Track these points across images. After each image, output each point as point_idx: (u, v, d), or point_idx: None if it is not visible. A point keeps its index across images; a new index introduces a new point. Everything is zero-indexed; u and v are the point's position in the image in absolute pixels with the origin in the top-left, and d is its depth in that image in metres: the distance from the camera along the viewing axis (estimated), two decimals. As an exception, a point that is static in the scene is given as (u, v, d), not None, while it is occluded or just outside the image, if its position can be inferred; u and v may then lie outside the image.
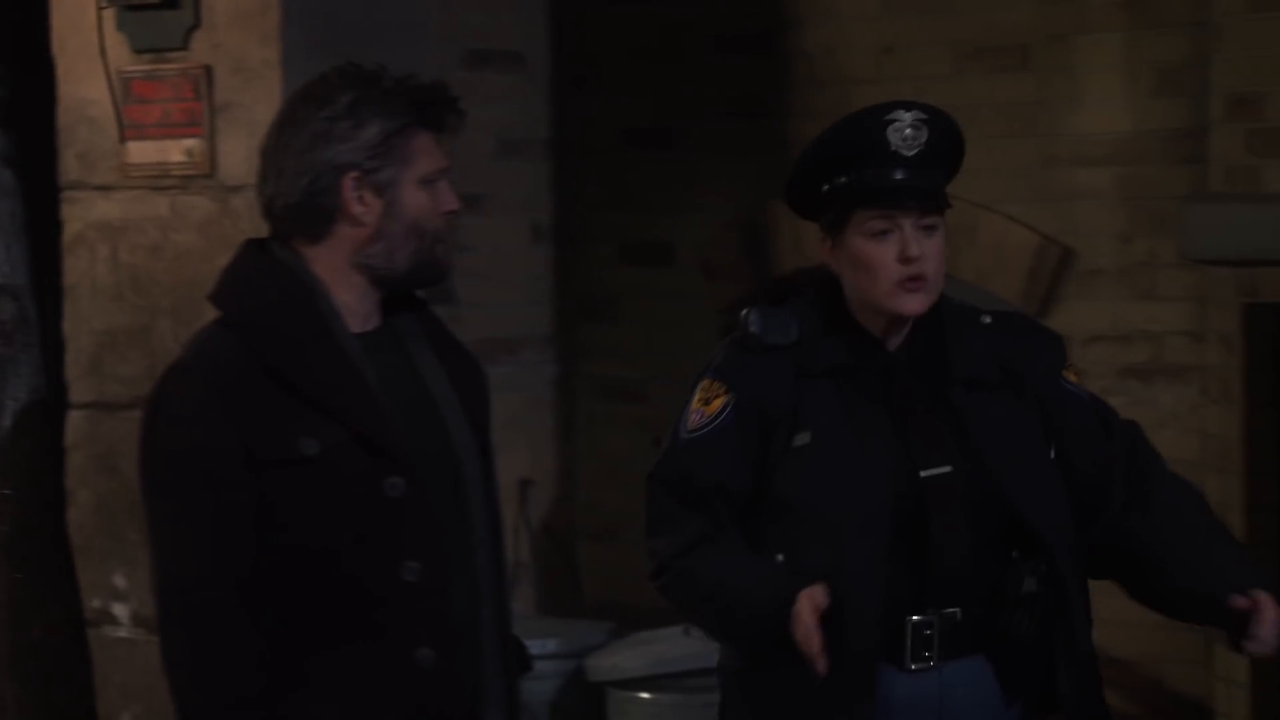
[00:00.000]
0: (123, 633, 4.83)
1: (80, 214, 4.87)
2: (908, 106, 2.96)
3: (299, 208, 2.74)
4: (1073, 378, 3.07)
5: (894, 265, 2.92)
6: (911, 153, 2.93)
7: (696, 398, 2.99)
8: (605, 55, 5.91)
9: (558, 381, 6.03)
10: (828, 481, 2.91)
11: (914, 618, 2.90)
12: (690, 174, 5.77)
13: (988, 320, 3.04)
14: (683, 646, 5.34)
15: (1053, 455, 3.00)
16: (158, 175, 4.75)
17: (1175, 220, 4.81)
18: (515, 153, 5.91)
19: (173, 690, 2.70)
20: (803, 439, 2.93)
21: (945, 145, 2.97)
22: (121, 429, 4.72)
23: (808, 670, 2.80)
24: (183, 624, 2.69)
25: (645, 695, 5.24)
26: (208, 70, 4.67)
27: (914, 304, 2.93)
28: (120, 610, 4.84)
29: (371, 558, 2.69)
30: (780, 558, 2.90)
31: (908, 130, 2.95)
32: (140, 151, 4.75)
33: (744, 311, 3.01)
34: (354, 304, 2.76)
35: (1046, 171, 5.11)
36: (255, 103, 4.61)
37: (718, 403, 2.97)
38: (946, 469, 2.92)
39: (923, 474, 2.91)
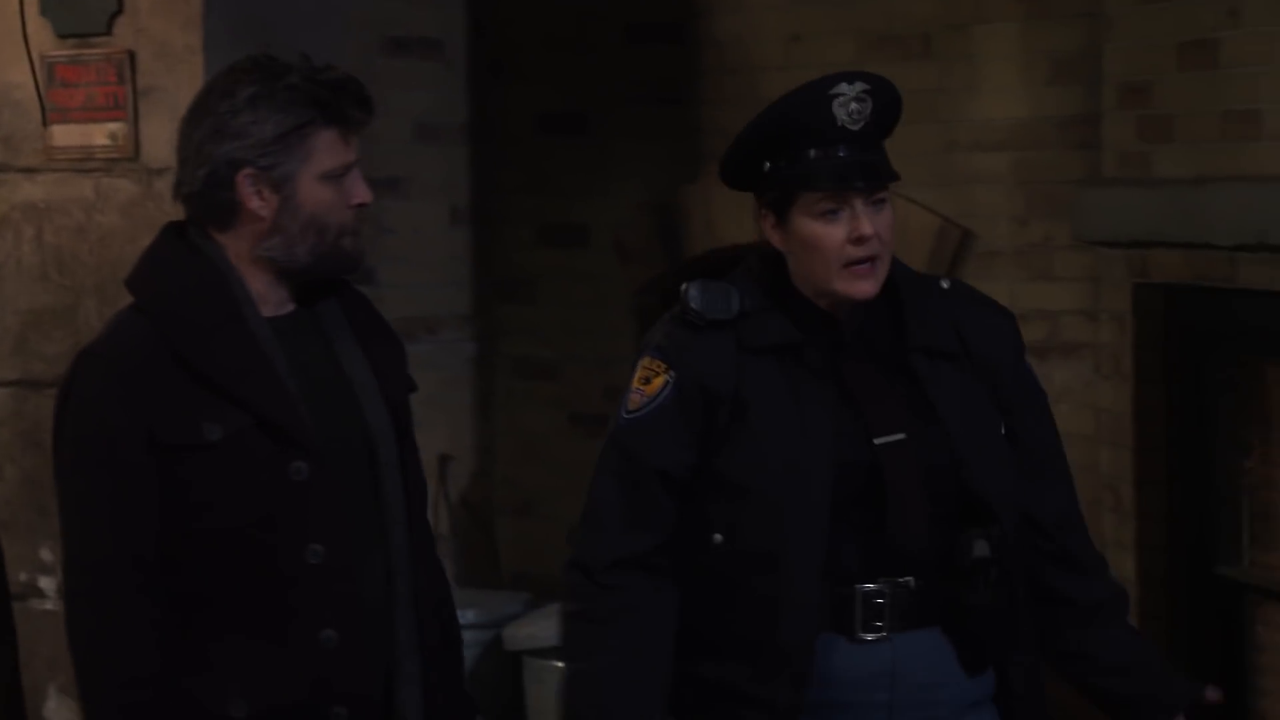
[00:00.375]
0: (49, 605, 4.85)
1: (6, 196, 4.88)
2: (850, 79, 2.81)
3: (200, 197, 2.75)
4: (1026, 358, 2.98)
5: (845, 247, 2.79)
6: (857, 127, 2.79)
7: (636, 376, 2.87)
8: (521, 43, 5.95)
9: (476, 360, 6.06)
10: (766, 461, 2.79)
11: (864, 586, 2.79)
12: (604, 158, 5.81)
13: (945, 286, 2.94)
14: (597, 617, 5.38)
15: (1003, 431, 2.91)
16: (82, 158, 4.77)
17: (1070, 203, 4.88)
18: (434, 137, 5.94)
19: (74, 666, 2.72)
20: (743, 417, 2.81)
21: (889, 114, 2.84)
22: (47, 406, 4.69)
23: (744, 657, 2.77)
24: (83, 602, 2.70)
25: (560, 663, 5.27)
26: (130, 55, 4.69)
27: (865, 286, 2.80)
28: (46, 583, 4.86)
29: (276, 540, 2.69)
30: (718, 538, 2.81)
31: (853, 104, 2.80)
32: (64, 135, 4.77)
33: (683, 286, 2.88)
34: (265, 291, 2.76)
35: (947, 156, 5.18)
36: (178, 87, 4.63)
37: (658, 381, 2.85)
38: (900, 436, 2.80)
39: (876, 441, 2.79)
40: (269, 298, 2.76)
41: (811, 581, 2.77)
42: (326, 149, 2.73)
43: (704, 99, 5.61)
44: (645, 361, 2.87)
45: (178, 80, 4.65)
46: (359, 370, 2.80)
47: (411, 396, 2.89)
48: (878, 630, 2.80)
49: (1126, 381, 4.71)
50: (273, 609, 2.70)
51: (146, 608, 2.67)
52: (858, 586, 2.79)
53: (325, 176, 2.73)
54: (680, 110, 5.66)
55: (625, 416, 2.86)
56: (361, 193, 2.77)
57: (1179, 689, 2.98)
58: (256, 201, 2.73)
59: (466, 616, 5.40)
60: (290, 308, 2.78)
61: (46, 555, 4.86)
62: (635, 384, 2.86)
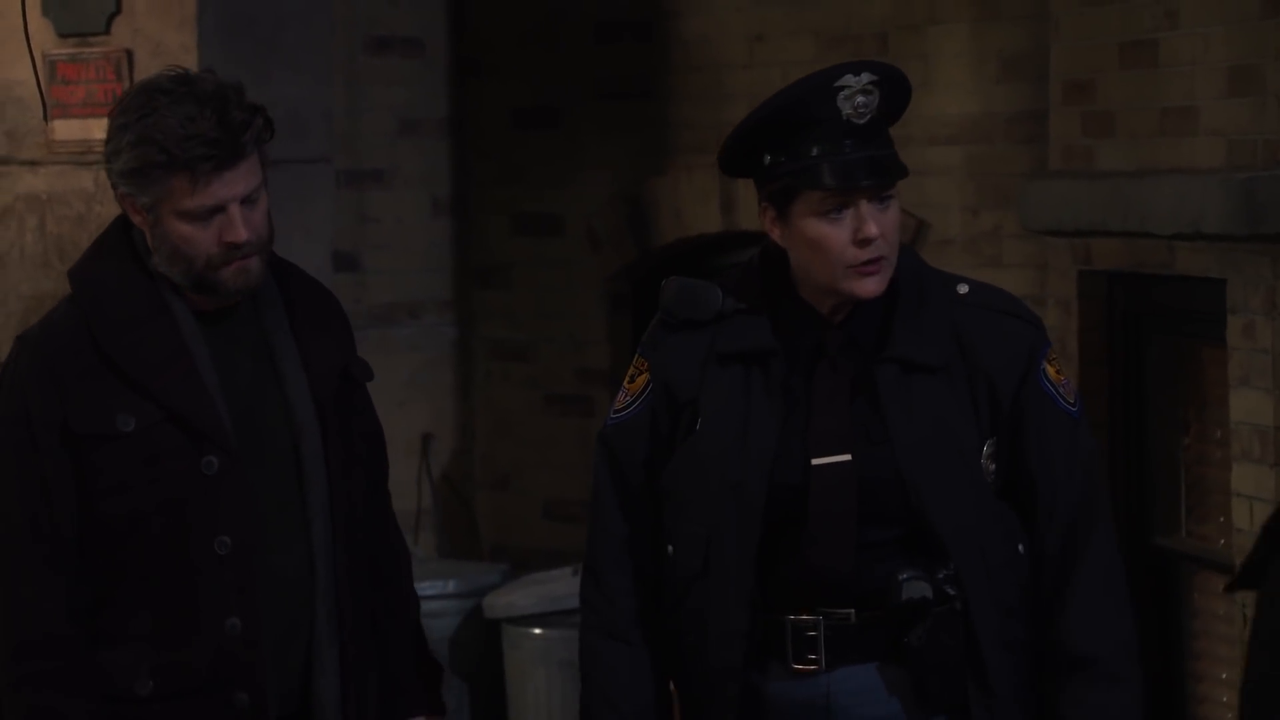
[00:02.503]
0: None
1: (9, 187, 4.89)
2: (856, 70, 2.53)
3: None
4: (1054, 373, 2.63)
5: (850, 248, 2.52)
6: (863, 120, 2.52)
7: (628, 373, 2.69)
8: (496, 42, 5.98)
9: (456, 343, 6.09)
10: (704, 479, 2.57)
11: (793, 618, 2.55)
12: (576, 151, 5.84)
13: (963, 290, 2.62)
14: (571, 585, 5.40)
15: (989, 450, 2.59)
16: (81, 151, 4.77)
17: (1018, 195, 4.92)
18: (416, 131, 5.97)
19: None
20: (694, 428, 2.60)
21: (897, 103, 2.57)
22: (49, 387, 4.74)
23: (690, 676, 2.61)
24: (1, 572, 2.68)
25: (536, 630, 5.32)
26: (128, 54, 4.69)
27: (871, 286, 2.54)
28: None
29: (185, 530, 2.66)
30: (670, 549, 2.62)
31: (860, 97, 2.52)
32: (65, 129, 4.77)
33: (664, 282, 2.67)
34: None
35: (902, 150, 5.10)
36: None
37: (640, 380, 2.66)
38: (844, 458, 2.53)
39: (814, 462, 2.54)
40: (199, 296, 2.72)
41: (737, 608, 2.55)
42: (179, 191, 2.64)
43: (671, 95, 5.65)
44: (636, 358, 2.68)
45: (173, 77, 4.65)
46: (289, 364, 2.73)
47: (389, 380, 2.83)
48: (811, 662, 2.56)
49: (1071, 363, 4.75)
50: (180, 594, 2.67)
51: (52, 581, 2.65)
52: (789, 618, 2.55)
53: (183, 215, 2.65)
54: (648, 105, 5.69)
55: (612, 416, 2.68)
56: (232, 233, 2.64)
57: None
58: (137, 218, 2.71)
59: (448, 586, 5.45)
60: (230, 302, 2.73)
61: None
62: (625, 381, 2.69)
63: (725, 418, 2.58)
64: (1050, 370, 2.63)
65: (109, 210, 4.77)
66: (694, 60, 5.60)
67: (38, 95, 4.79)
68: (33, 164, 4.85)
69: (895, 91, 2.56)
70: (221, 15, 4.68)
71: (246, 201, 2.66)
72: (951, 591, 2.53)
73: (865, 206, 2.53)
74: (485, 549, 6.05)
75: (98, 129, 4.75)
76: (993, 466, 2.60)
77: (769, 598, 2.56)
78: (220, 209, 2.65)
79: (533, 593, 5.43)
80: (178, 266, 2.68)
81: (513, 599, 5.43)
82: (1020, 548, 2.60)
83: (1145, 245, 4.46)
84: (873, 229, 2.52)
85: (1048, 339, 2.68)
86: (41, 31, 4.78)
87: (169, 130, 2.62)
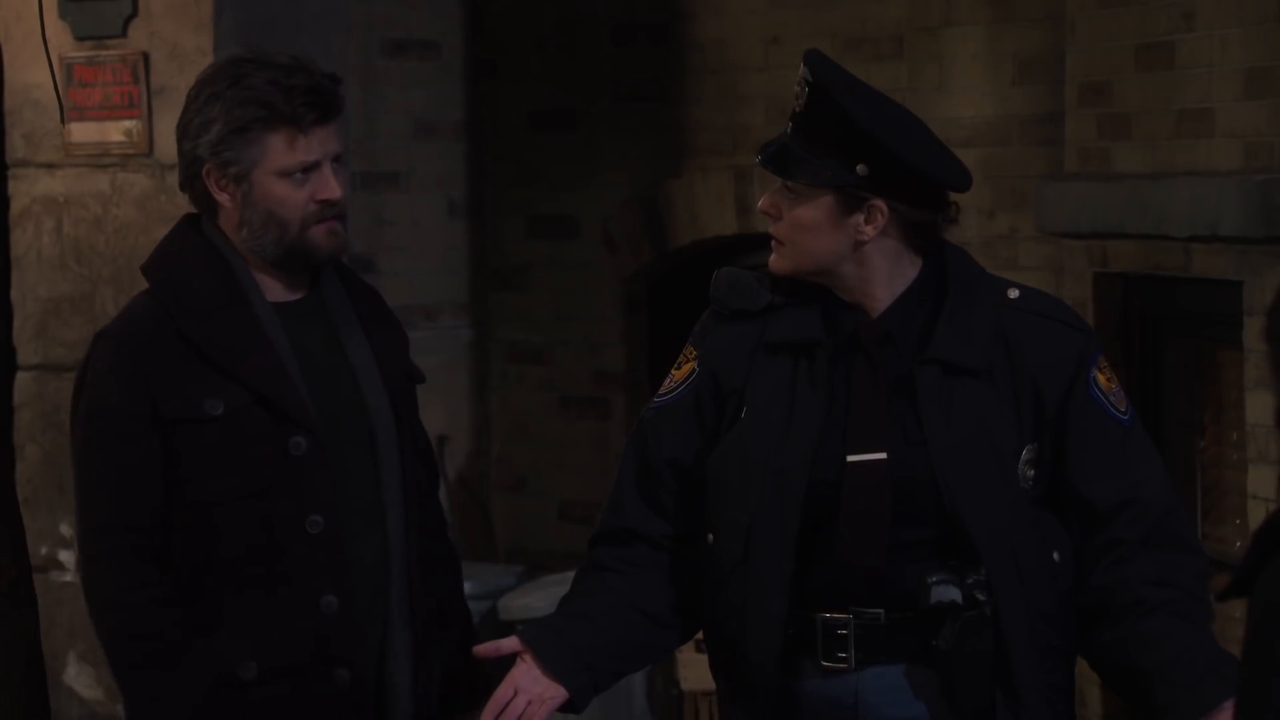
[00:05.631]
0: (68, 577, 4.86)
1: (27, 190, 4.89)
2: (808, 59, 2.53)
3: (186, 190, 2.77)
4: (1104, 381, 2.58)
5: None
6: (798, 108, 2.54)
7: (676, 361, 2.69)
8: (513, 44, 5.97)
9: (472, 345, 6.08)
10: (747, 468, 2.56)
11: (824, 615, 2.53)
12: (592, 154, 5.84)
13: (1014, 295, 2.59)
14: (587, 588, 5.40)
15: (1029, 456, 2.56)
16: (99, 154, 4.77)
17: (1033, 197, 4.91)
18: (432, 133, 5.96)
19: (92, 624, 2.76)
20: (739, 417, 2.59)
21: (819, 117, 2.52)
22: (66, 389, 4.67)
23: (729, 665, 2.61)
24: (91, 565, 2.73)
25: (552, 632, 5.31)
26: (145, 56, 4.69)
27: (771, 259, 2.60)
28: (65, 556, 4.87)
29: (277, 510, 2.70)
30: (710, 537, 2.60)
31: (797, 86, 2.54)
32: (82, 132, 4.77)
33: (716, 272, 2.67)
34: (269, 277, 2.76)
35: (918, 152, 5.19)
36: (189, 87, 4.62)
37: (687, 368, 2.66)
38: (879, 455, 2.51)
39: (849, 459, 2.52)
40: (274, 284, 2.77)
41: (777, 596, 2.54)
42: (278, 148, 2.69)
43: (687, 97, 5.64)
44: (685, 347, 2.68)
45: (189, 80, 4.56)
46: (361, 355, 2.78)
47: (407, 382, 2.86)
48: (841, 661, 2.55)
49: (1087, 365, 4.73)
50: (276, 575, 2.70)
51: (148, 569, 2.68)
52: (820, 615, 2.54)
53: (281, 174, 2.70)
54: (665, 108, 5.68)
55: (655, 400, 2.69)
56: (327, 189, 2.71)
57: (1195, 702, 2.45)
58: (221, 195, 2.73)
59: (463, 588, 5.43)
60: (299, 294, 2.78)
61: (65, 530, 4.87)
62: (672, 368, 2.69)
63: (771, 407, 2.57)
64: (1101, 378, 2.58)
65: (125, 212, 4.77)
66: (710, 63, 5.59)
67: (55, 98, 4.78)
68: (50, 166, 4.85)
69: (819, 102, 2.51)
70: (238, 18, 4.68)
71: (336, 162, 2.73)
72: (981, 597, 2.50)
73: (777, 188, 2.57)
74: (501, 551, 6.04)
75: (114, 131, 4.76)
76: (1031, 473, 2.57)
77: (802, 594, 2.55)
78: (315, 166, 2.70)
79: (548, 595, 5.42)
80: (270, 234, 2.71)
81: (528, 601, 5.42)
82: (1056, 555, 2.56)
83: (1162, 247, 4.44)
84: (766, 203, 2.58)
85: (1099, 346, 2.63)
86: (58, 34, 4.78)
87: (267, 89, 2.67)
